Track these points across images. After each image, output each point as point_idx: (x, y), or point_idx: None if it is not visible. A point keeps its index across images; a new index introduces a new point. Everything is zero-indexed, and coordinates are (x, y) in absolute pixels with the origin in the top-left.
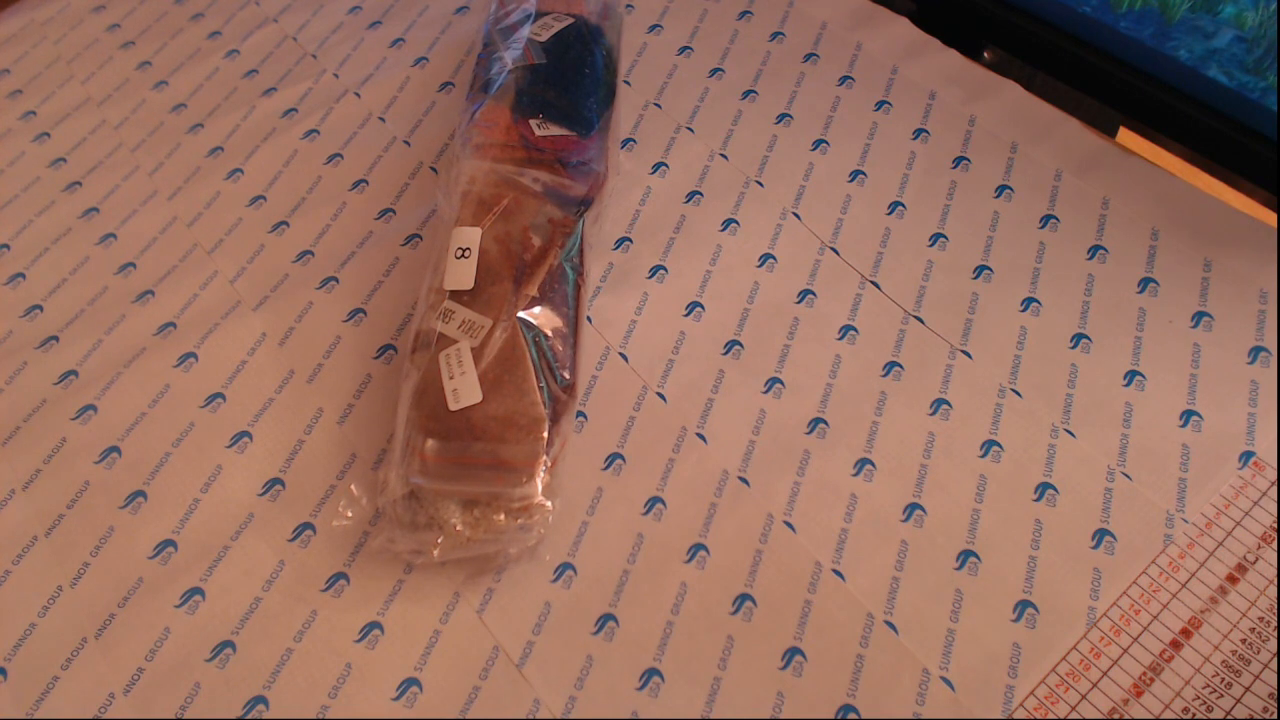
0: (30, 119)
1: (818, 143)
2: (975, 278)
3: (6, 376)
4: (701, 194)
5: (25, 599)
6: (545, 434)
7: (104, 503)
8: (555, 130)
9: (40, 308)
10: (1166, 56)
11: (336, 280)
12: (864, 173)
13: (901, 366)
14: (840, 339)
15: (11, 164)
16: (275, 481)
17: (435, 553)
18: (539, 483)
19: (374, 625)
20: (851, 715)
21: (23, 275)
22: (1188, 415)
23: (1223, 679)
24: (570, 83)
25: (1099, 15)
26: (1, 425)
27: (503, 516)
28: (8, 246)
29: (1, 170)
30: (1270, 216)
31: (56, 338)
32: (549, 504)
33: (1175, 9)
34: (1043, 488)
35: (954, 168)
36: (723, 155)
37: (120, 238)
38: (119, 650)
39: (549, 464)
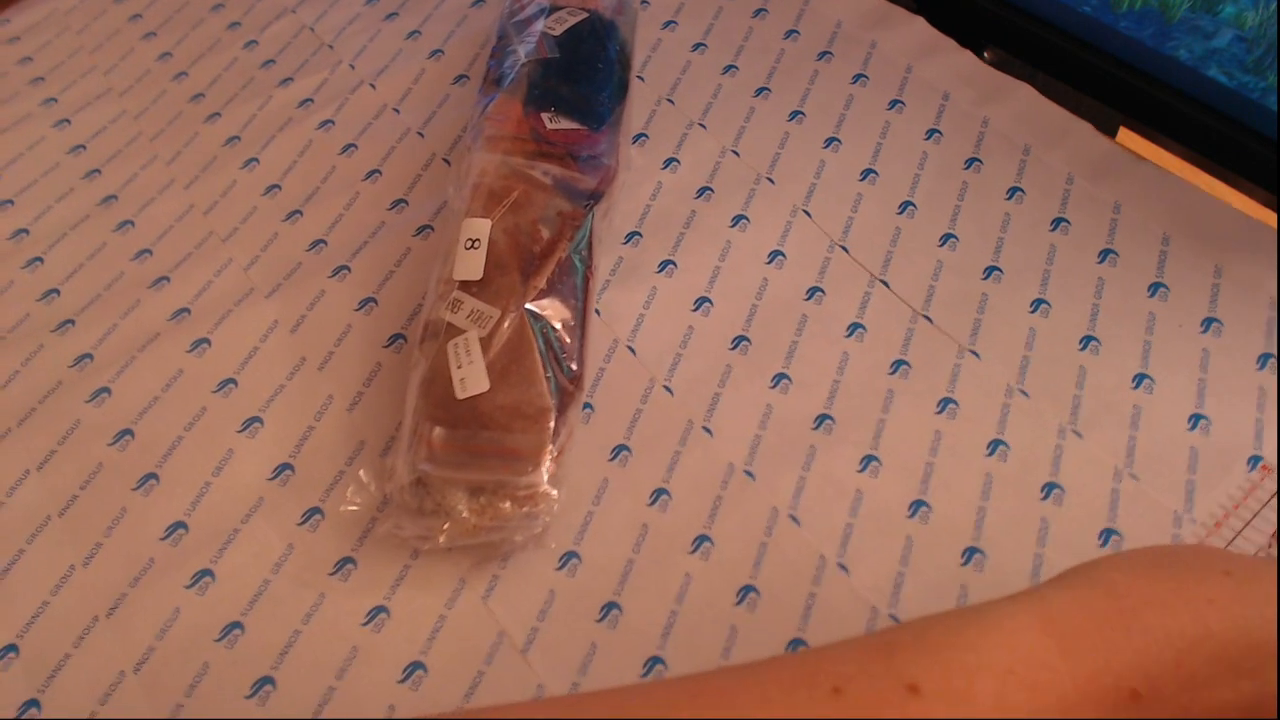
0: (51, 106)
1: (830, 141)
2: (985, 278)
3: (23, 358)
4: (712, 190)
5: (38, 577)
6: (551, 423)
7: (117, 484)
8: (567, 124)
9: (57, 291)
10: (1166, 56)
11: (348, 269)
12: (875, 172)
13: (909, 365)
14: (848, 337)
15: (31, 149)
16: (285, 466)
17: (442, 539)
18: (545, 471)
19: (380, 609)
20: None
21: (40, 259)
22: (1196, 419)
23: None
24: (583, 77)
25: (1099, 15)
26: (17, 406)
27: (509, 504)
28: (27, 231)
29: (22, 155)
30: None
31: (73, 321)
32: (554, 492)
33: (1175, 9)
34: (1049, 487)
35: (966, 169)
36: (734, 152)
37: (137, 225)
38: (130, 629)
39: (555, 453)
